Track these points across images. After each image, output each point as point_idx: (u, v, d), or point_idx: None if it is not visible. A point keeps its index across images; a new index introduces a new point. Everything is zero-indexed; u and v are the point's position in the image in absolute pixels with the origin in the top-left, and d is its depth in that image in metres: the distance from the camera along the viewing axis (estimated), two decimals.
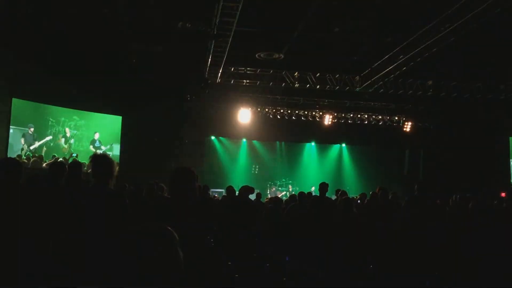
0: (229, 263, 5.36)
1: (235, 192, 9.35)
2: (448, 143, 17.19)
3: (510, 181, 16.70)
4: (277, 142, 19.98)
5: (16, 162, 3.83)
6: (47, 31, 10.75)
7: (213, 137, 19.01)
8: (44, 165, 13.13)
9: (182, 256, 1.34)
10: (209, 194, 11.17)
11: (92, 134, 15.02)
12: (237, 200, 7.60)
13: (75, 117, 14.65)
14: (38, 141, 13.62)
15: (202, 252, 3.73)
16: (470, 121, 16.99)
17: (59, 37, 11.16)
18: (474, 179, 15.28)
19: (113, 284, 1.29)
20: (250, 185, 8.10)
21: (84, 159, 12.63)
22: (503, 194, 9.07)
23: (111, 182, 3.65)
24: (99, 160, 3.67)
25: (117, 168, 3.77)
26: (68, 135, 14.46)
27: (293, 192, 16.39)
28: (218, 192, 15.45)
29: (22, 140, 13.23)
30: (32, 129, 13.45)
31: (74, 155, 14.14)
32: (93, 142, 14.94)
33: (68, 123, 14.47)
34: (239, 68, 13.70)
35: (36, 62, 12.00)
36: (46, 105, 13.91)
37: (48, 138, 13.91)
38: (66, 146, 14.40)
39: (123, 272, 1.29)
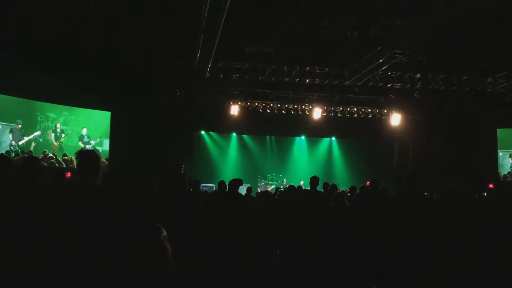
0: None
1: (226, 187, 9.35)
2: (436, 136, 17.32)
3: (498, 172, 16.90)
4: (267, 136, 20.02)
5: (4, 158, 3.78)
6: (32, 26, 10.62)
7: (203, 132, 18.98)
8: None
9: (170, 251, 1.35)
10: (200, 189, 11.17)
11: (81, 129, 14.92)
12: (228, 195, 7.58)
13: (65, 112, 14.54)
14: (27, 137, 13.49)
15: (191, 247, 3.74)
16: (458, 113, 17.12)
17: (45, 32, 11.03)
18: (463, 170, 15.42)
19: (104, 282, 1.29)
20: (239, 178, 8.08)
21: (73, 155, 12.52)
22: (490, 186, 9.17)
23: (98, 178, 3.61)
24: (85, 155, 3.63)
25: (106, 163, 3.76)
26: (58, 130, 14.34)
27: (287, 186, 16.39)
28: (208, 186, 15.44)
29: (10, 136, 13.10)
30: (20, 126, 13.32)
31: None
32: (81, 137, 14.83)
33: (58, 119, 14.35)
34: (229, 63, 13.65)
35: (21, 58, 11.84)
36: (33, 101, 13.77)
37: (37, 133, 13.78)
38: (56, 143, 14.27)
39: (114, 269, 1.30)
